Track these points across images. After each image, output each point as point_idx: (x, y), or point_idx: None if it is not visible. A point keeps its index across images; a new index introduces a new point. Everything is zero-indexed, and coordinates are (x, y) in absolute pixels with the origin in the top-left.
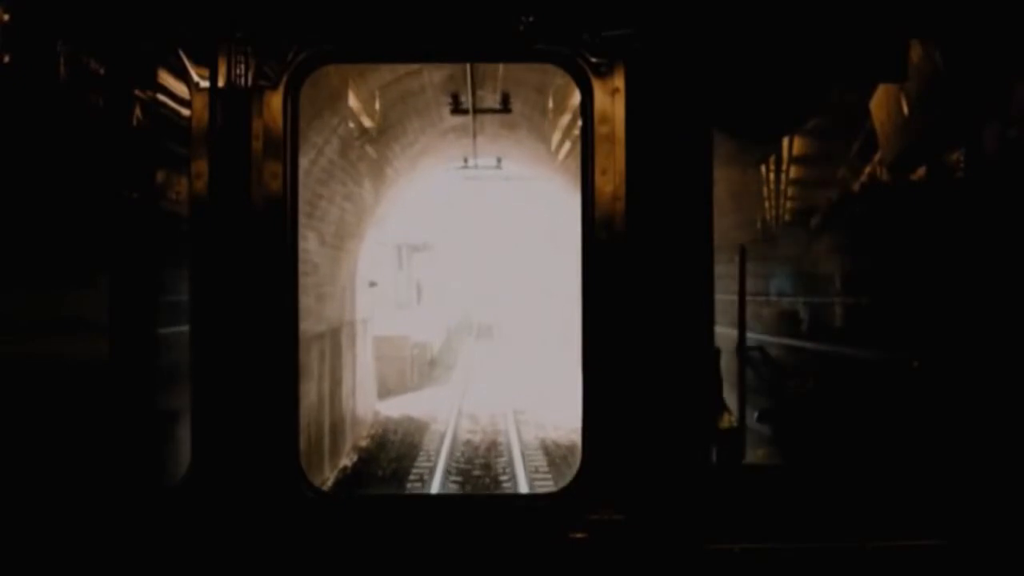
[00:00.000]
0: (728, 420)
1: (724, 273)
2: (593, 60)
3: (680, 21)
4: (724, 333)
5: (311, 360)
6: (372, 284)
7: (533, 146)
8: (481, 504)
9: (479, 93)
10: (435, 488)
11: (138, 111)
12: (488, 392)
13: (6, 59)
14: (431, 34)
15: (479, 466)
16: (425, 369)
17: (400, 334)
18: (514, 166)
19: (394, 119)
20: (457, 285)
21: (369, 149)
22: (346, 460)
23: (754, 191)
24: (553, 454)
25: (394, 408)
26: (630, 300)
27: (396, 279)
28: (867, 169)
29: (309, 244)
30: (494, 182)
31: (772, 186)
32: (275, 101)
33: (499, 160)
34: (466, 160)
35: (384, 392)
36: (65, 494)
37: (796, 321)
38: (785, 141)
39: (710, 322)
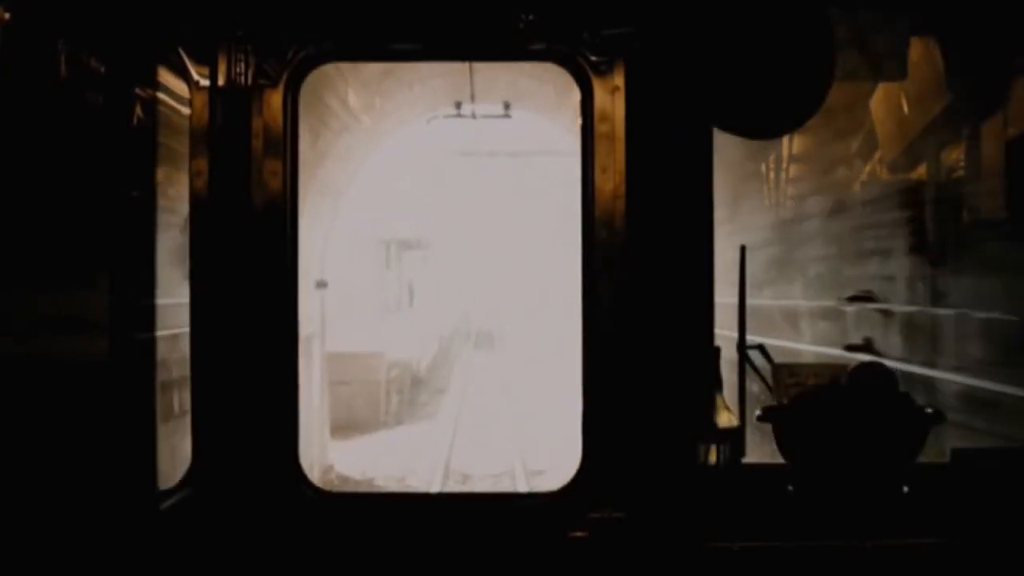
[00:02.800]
0: (728, 419)
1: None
2: (593, 59)
3: (680, 20)
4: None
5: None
6: (321, 285)
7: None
8: (481, 502)
9: None
10: None
11: (138, 110)
12: (489, 429)
13: (6, 59)
14: (431, 32)
15: None
16: (407, 393)
17: (373, 351)
18: (530, 117)
19: None
20: (455, 285)
21: None
22: None
23: None
24: None
25: (355, 459)
26: (630, 298)
27: (383, 279)
28: None
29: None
30: (498, 162)
31: None
32: (275, 100)
33: (507, 106)
34: (459, 106)
35: (350, 427)
36: (64, 494)
37: None
38: None
39: (710, 321)
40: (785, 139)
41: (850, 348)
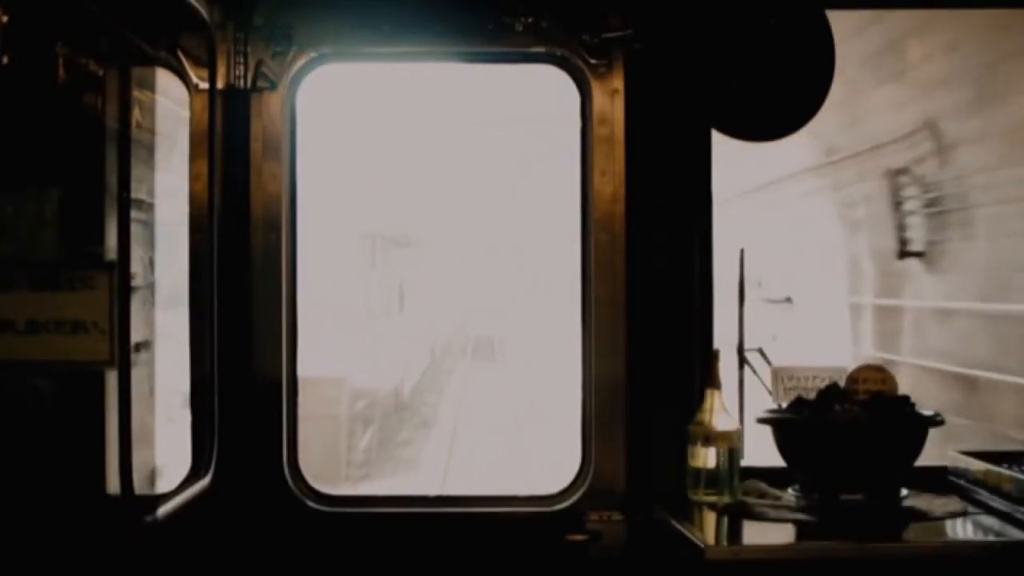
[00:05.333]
0: (728, 422)
1: None
2: (592, 61)
3: (680, 21)
4: None
5: None
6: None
7: None
8: (480, 504)
9: None
10: None
11: (137, 112)
12: (489, 487)
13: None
14: (430, 36)
15: None
16: (380, 429)
17: (331, 376)
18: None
19: None
20: (451, 285)
21: None
22: None
23: None
24: None
25: None
26: (629, 300)
27: (368, 280)
28: None
29: None
30: (500, 132)
31: None
32: (274, 103)
33: None
34: None
35: None
36: (56, 500)
37: None
38: None
39: (710, 323)
40: None
41: None
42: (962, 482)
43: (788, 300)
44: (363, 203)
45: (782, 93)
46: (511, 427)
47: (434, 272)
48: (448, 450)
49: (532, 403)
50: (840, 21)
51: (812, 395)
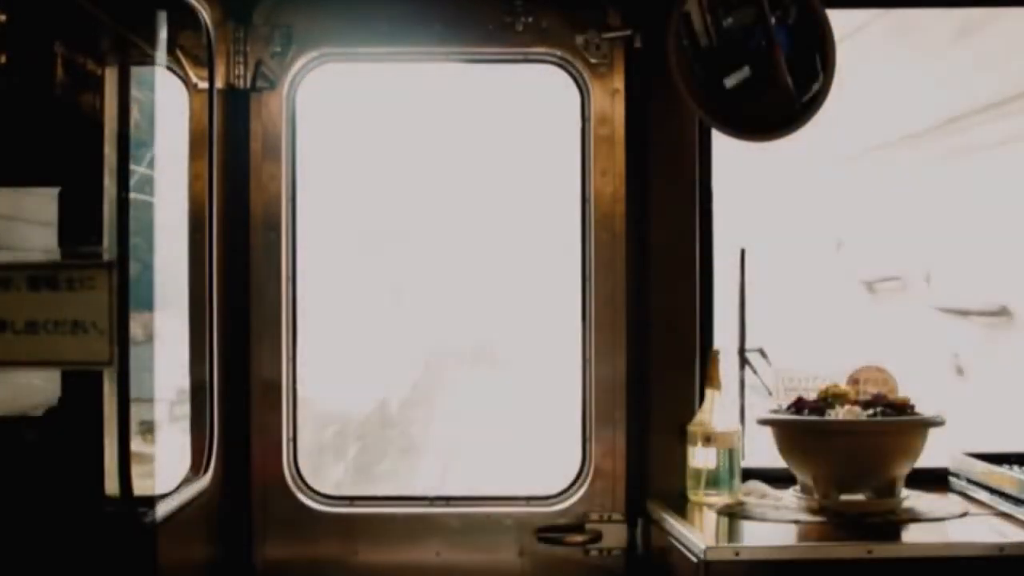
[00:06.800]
0: (728, 422)
1: None
2: (592, 61)
3: (680, 20)
4: None
5: None
6: None
7: None
8: (480, 504)
9: None
10: None
11: (136, 112)
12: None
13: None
14: (430, 36)
15: None
16: (354, 456)
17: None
18: None
19: None
20: (450, 282)
21: None
22: None
23: None
24: None
25: None
26: (629, 300)
27: (359, 274)
28: None
29: None
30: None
31: None
32: (274, 103)
33: None
34: None
35: None
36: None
37: None
38: None
39: (710, 323)
40: None
41: None
42: (963, 483)
43: (1005, 312)
44: (353, 202)
45: (783, 92)
46: (514, 443)
47: (431, 273)
48: (438, 486)
49: (536, 410)
50: None
51: (813, 395)
